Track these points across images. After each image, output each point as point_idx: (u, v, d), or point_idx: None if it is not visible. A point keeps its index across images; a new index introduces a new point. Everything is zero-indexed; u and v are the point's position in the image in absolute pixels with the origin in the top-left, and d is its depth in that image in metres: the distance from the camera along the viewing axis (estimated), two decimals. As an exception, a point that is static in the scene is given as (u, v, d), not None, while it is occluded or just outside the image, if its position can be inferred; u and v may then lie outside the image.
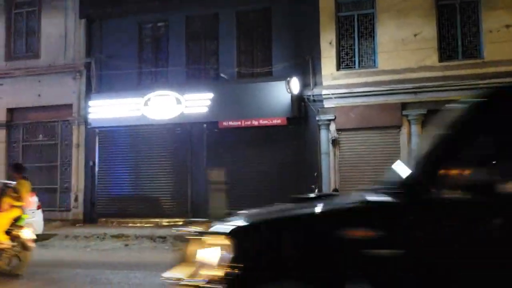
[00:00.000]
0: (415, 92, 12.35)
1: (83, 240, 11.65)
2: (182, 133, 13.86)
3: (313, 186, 10.10)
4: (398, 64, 12.59)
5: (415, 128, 12.34)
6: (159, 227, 13.09)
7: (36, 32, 15.64)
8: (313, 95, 12.97)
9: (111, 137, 14.50)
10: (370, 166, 12.42)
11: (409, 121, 12.39)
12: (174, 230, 9.37)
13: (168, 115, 13.57)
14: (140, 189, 14.02)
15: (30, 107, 15.36)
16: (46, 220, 14.01)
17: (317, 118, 12.90)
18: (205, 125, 13.60)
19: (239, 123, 13.11)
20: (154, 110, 13.68)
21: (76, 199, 14.51)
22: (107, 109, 14.13)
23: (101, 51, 14.97)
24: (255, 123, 12.99)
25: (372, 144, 12.55)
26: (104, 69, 14.84)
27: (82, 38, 15.11)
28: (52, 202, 14.85)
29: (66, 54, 15.20)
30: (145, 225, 13.60)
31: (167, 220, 13.63)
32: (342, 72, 13.07)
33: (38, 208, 11.23)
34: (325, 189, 12.34)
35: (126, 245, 10.87)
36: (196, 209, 13.46)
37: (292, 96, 12.54)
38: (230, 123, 13.20)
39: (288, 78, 12.39)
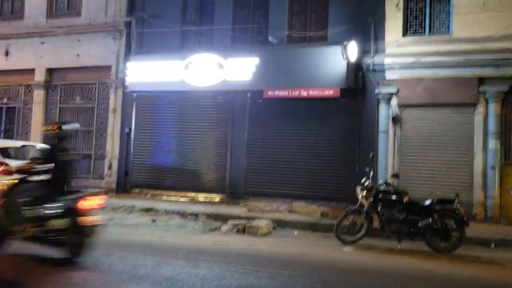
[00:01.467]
0: (496, 65, 10.34)
1: (109, 211, 10.73)
2: (224, 101, 12.60)
3: (367, 169, 8.55)
4: (477, 32, 10.58)
5: (493, 108, 10.39)
6: (194, 203, 12.03)
7: (78, -12, 14.77)
8: (373, 64, 11.24)
9: (149, 103, 13.48)
10: (436, 150, 10.68)
11: (486, 99, 10.44)
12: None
13: (209, 81, 12.31)
14: (176, 160, 12.98)
15: (69, 67, 14.62)
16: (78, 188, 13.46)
17: (376, 91, 11.20)
18: (248, 94, 12.25)
19: (286, 93, 11.65)
20: (195, 75, 12.46)
21: (110, 167, 13.71)
22: (146, 72, 13.07)
23: (143, 10, 13.86)
24: (304, 93, 11.48)
25: (440, 124, 10.73)
26: (145, 29, 13.76)
27: (124, -3, 14.05)
28: (86, 169, 14.18)
29: (107, 12, 14.24)
30: (180, 199, 12.59)
31: (204, 195, 12.55)
32: (409, 38, 11.21)
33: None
34: (381, 173, 10.72)
35: (153, 220, 9.86)
36: (235, 185, 12.27)
37: (348, 64, 10.88)
38: (276, 92, 11.76)
39: (345, 42, 10.73)
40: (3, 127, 15.53)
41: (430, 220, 7.60)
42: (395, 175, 8.44)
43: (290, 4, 12.32)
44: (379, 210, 8.07)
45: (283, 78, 11.67)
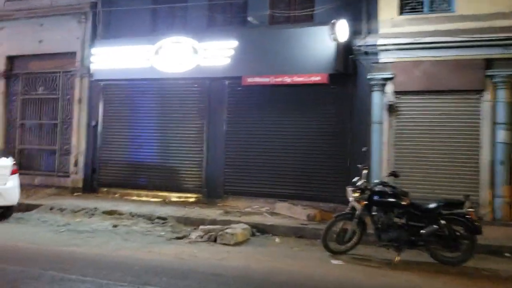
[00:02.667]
0: (505, 45, 9.09)
1: (68, 214, 9.47)
2: (199, 90, 11.26)
3: (360, 166, 7.28)
4: (483, 8, 9.33)
5: (502, 94, 9.15)
6: (165, 204, 10.72)
7: (39, -34, 13.30)
8: (365, 46, 9.95)
9: (117, 92, 12.12)
10: (438, 143, 9.45)
11: (494, 84, 9.19)
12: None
13: (182, 67, 10.97)
14: (147, 156, 11.65)
15: (31, 55, 13.21)
16: (42, 187, 12.17)
17: (368, 76, 9.92)
18: (226, 81, 10.92)
19: (268, 79, 10.33)
20: (166, 61, 11.11)
21: (75, 164, 12.36)
22: (114, 59, 11.71)
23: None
24: (288, 80, 10.17)
25: (442, 112, 9.48)
26: (112, 11, 12.37)
27: (89, -26, 12.64)
28: (51, 165, 12.84)
29: (71, -8, 12.82)
30: (151, 199, 11.28)
31: (178, 195, 11.25)
32: (406, 17, 9.93)
33: (13, 173, 9.03)
34: (376, 170, 9.49)
35: (115, 226, 8.55)
36: (212, 183, 10.97)
37: (337, 46, 9.58)
38: (257, 79, 10.44)
39: (334, 21, 9.42)
40: (-39, 121, 14.09)
41: (435, 226, 6.35)
42: (393, 174, 7.19)
43: (272, -20, 10.99)
44: (374, 214, 6.82)
45: (264, 63, 10.36)
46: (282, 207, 9.74)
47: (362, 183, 6.93)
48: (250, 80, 10.45)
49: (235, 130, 10.87)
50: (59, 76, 12.92)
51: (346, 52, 9.86)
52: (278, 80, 10.23)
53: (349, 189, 6.96)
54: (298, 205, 9.76)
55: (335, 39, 9.40)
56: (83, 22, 12.57)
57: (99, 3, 12.34)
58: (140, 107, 11.83)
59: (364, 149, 8.04)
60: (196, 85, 11.24)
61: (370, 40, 9.94)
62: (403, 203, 6.71)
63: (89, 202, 10.47)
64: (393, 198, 6.77)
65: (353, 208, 6.98)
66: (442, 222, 6.35)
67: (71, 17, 12.69)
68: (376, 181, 7.43)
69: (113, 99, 12.14)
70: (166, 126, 11.51)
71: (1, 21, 13.45)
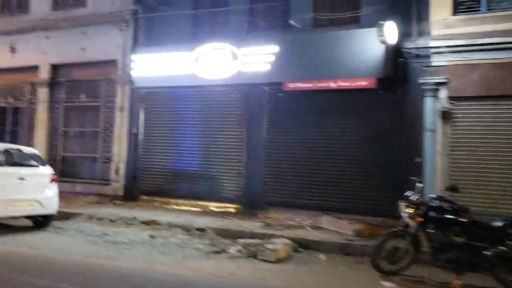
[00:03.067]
0: None
1: (106, 224, 9.29)
2: (238, 96, 10.90)
3: (414, 179, 6.65)
4: (548, 5, 8.52)
5: None
6: (204, 214, 10.39)
7: (83, -25, 13.43)
8: (416, 48, 9.30)
9: (157, 100, 11.96)
10: (499, 152, 8.64)
11: (562, 88, 8.35)
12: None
13: (221, 74, 10.67)
14: (187, 164, 11.38)
15: (74, 63, 13.33)
16: (83, 194, 12.15)
17: (420, 81, 9.24)
18: (266, 87, 10.52)
19: (311, 85, 9.85)
20: (206, 68, 10.85)
21: (116, 172, 12.26)
22: (154, 66, 11.58)
23: (151, -3, 12.37)
24: (333, 85, 9.65)
25: (503, 120, 8.67)
26: (154, 18, 12.26)
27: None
28: (92, 173, 12.82)
29: (113, 0, 12.82)
30: (190, 208, 11.00)
31: (217, 204, 10.90)
32: (460, 17, 9.21)
33: (53, 181, 8.94)
34: (429, 181, 8.77)
35: (152, 237, 8.27)
36: (252, 193, 10.56)
37: (386, 49, 9.00)
38: (299, 85, 9.98)
39: (382, 22, 8.83)
40: (9, 128, 14.38)
41: (503, 248, 5.66)
42: (453, 188, 6.51)
43: (316, -18, 10.53)
44: (430, 232, 6.18)
45: (307, 68, 9.90)
46: (326, 220, 9.19)
47: (417, 197, 6.31)
48: (292, 85, 10.00)
49: (276, 138, 10.43)
50: (101, 83, 12.93)
51: (395, 56, 9.24)
52: (322, 85, 9.73)
53: (402, 204, 6.35)
54: (343, 218, 9.20)
55: (383, 42, 8.82)
56: (124, 29, 12.53)
57: (140, 10, 12.25)
58: (180, 114, 11.60)
59: (417, 160, 7.40)
60: (235, 92, 10.89)
61: (421, 42, 9.28)
62: (464, 220, 6.04)
63: (128, 211, 10.30)
64: (451, 214, 6.11)
65: (406, 225, 6.37)
66: (510, 243, 5.65)
67: (113, 25, 12.68)
68: (432, 195, 6.77)
69: (153, 107, 12.00)
70: (205, 134, 11.22)
71: (46, 30, 13.63)
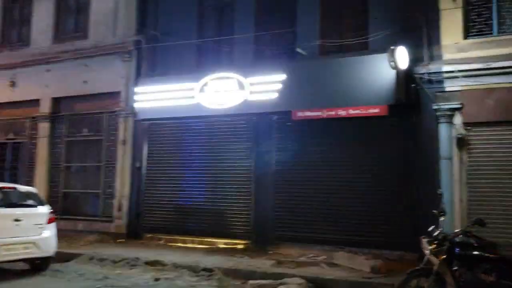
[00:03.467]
0: None
1: (108, 266, 8.80)
2: (246, 126, 10.56)
3: (436, 212, 6.19)
4: None
5: None
6: (212, 252, 9.90)
7: (85, 7, 13.31)
8: (428, 74, 8.97)
9: (161, 132, 11.64)
10: (521, 180, 8.19)
11: None
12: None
13: (228, 103, 10.36)
14: (193, 199, 10.97)
15: (75, 96, 13.06)
16: (85, 233, 11.69)
17: (434, 107, 8.88)
18: (274, 116, 10.18)
19: (320, 113, 9.50)
20: (212, 98, 10.55)
21: (119, 208, 11.84)
22: (158, 97, 11.28)
23: (155, 27, 12.21)
24: (342, 113, 9.29)
25: (523, 145, 8.30)
26: (157, 49, 12.09)
27: (134, 12, 12.48)
28: (94, 210, 12.40)
29: (115, 32, 12.66)
30: (197, 245, 10.51)
31: (225, 241, 10.42)
32: (473, 40, 8.91)
33: (50, 221, 8.50)
34: (447, 213, 8.30)
35: (156, 279, 7.77)
36: (261, 228, 10.08)
37: (397, 74, 8.66)
38: (308, 113, 9.62)
39: (392, 47, 8.53)
40: (8, 165, 14.05)
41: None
42: (479, 222, 6.06)
43: (321, 9, 10.30)
44: (455, 270, 5.68)
45: (315, 96, 9.57)
46: (341, 256, 8.69)
47: (439, 233, 5.84)
48: (300, 114, 9.66)
49: (285, 169, 10.02)
50: (104, 117, 12.64)
51: (406, 81, 8.91)
52: (332, 113, 9.38)
53: (424, 241, 5.87)
54: (358, 253, 8.70)
55: (394, 67, 8.49)
56: (127, 61, 12.31)
57: (143, 40, 12.06)
58: (185, 146, 11.25)
59: (439, 192, 6.93)
60: (243, 122, 10.56)
61: (433, 67, 8.96)
62: (492, 256, 5.55)
63: (132, 251, 9.82)
64: (478, 250, 5.63)
65: (429, 262, 5.87)
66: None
67: (116, 57, 12.48)
68: (456, 230, 6.29)
69: (157, 139, 11.66)
70: (212, 166, 10.84)
71: (48, 63, 13.44)
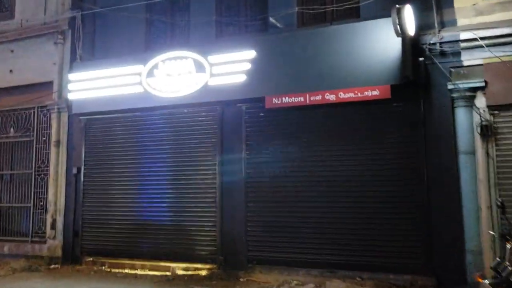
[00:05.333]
0: None
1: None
2: (208, 119, 8.32)
3: (493, 233, 4.14)
4: None
5: None
6: (167, 281, 7.65)
7: (10, -19, 10.87)
8: (440, 43, 6.94)
9: (103, 129, 9.28)
10: None
11: None
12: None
13: (183, 90, 8.14)
14: (143, 213, 8.67)
15: (0, 88, 10.60)
16: (12, 257, 9.33)
17: (449, 87, 6.85)
18: (243, 106, 8.00)
19: (301, 99, 7.36)
20: (162, 83, 8.31)
21: (53, 226, 9.45)
22: (97, 85, 8.97)
23: (94, 2, 9.87)
24: (331, 98, 7.19)
25: None
26: (97, 27, 9.77)
27: (69, -16, 10.12)
28: (24, 228, 9.96)
29: (46, 8, 10.27)
30: (149, 272, 8.24)
31: (184, 265, 8.15)
32: (494, 1, 6.93)
33: None
34: (469, 223, 6.30)
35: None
36: (231, 248, 7.87)
37: (404, 43, 6.58)
38: (286, 99, 7.47)
39: (398, 6, 6.44)
40: None
41: None
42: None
43: (299, -31, 8.18)
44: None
45: (294, 78, 7.45)
46: (334, 284, 6.57)
47: (507, 267, 3.77)
48: (276, 101, 7.50)
49: (259, 172, 7.83)
50: (34, 113, 10.20)
51: (414, 54, 6.83)
52: (317, 98, 7.25)
53: (486, 284, 3.79)
54: (357, 278, 6.63)
55: (400, 33, 6.40)
56: (60, 43, 9.91)
57: (78, 17, 9.71)
58: (133, 147, 8.93)
59: (499, 200, 4.88)
60: (203, 113, 8.33)
61: (446, 34, 6.93)
62: None
63: (64, 283, 7.50)
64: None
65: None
66: None
67: (46, 39, 10.09)
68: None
69: (98, 139, 9.30)
70: (167, 172, 8.56)
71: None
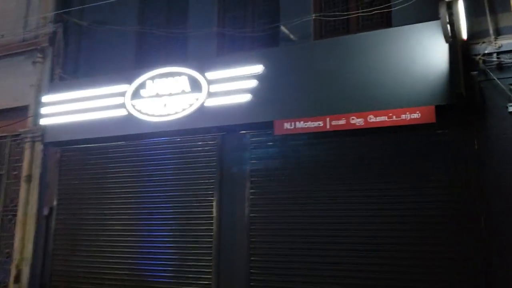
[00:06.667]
0: None
1: None
2: (205, 148, 6.79)
3: None
4: None
5: None
6: None
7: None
8: (496, 53, 5.45)
9: (79, 161, 7.77)
10: None
11: None
12: None
13: (175, 113, 6.68)
14: (125, 264, 7.04)
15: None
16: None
17: (510, 109, 5.33)
18: (248, 132, 6.49)
19: (319, 123, 5.83)
20: (150, 105, 6.86)
21: (16, 279, 7.81)
22: (74, 109, 7.55)
23: (80, 16, 8.62)
24: (358, 122, 5.65)
25: None
26: (82, 44, 8.52)
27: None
28: (-15, 279, 8.36)
29: (27, 24, 9.06)
30: None
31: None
32: None
33: None
34: None
35: None
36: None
37: (453, 50, 5.09)
38: (300, 124, 5.94)
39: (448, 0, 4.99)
40: None
41: None
42: None
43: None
44: None
45: (312, 98, 5.97)
46: None
47: None
48: (288, 126, 5.96)
49: (265, 212, 6.20)
50: (6, 143, 8.81)
51: (465, 65, 5.33)
52: (340, 123, 5.72)
53: None
54: None
55: (451, 36, 4.92)
56: (39, 62, 8.62)
57: (59, 32, 8.42)
58: (115, 183, 7.38)
59: None
60: (200, 142, 6.81)
61: (506, 43, 5.45)
62: None
63: None
64: None
65: None
66: None
67: (24, 58, 8.82)
68: None
69: (75, 173, 7.77)
70: (154, 214, 6.98)
71: None
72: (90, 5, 8.33)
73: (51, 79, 8.33)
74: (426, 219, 5.43)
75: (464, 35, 5.12)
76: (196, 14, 7.60)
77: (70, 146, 7.75)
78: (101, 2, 8.09)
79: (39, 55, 8.64)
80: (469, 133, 5.46)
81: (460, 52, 5.10)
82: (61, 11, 8.59)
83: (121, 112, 7.05)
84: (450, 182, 5.43)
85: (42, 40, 8.68)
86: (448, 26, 4.81)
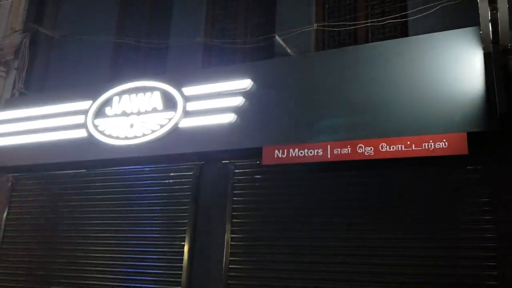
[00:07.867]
0: None
1: None
2: (176, 183, 5.55)
3: None
4: None
5: None
6: None
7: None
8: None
9: (35, 192, 6.54)
10: None
11: None
12: None
13: (143, 135, 5.50)
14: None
15: None
16: None
17: None
18: (230, 162, 5.26)
19: (320, 152, 4.61)
20: (114, 126, 5.70)
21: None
22: (30, 129, 6.38)
23: (53, 26, 7.63)
24: (367, 152, 4.43)
25: None
26: (52, 55, 7.49)
27: (23, 4, 7.97)
28: None
29: (-8, 34, 8.07)
30: None
31: None
32: None
33: None
34: None
35: None
36: None
37: (495, 57, 3.94)
38: (295, 152, 4.72)
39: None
40: None
41: None
42: None
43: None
44: None
45: (309, 120, 4.79)
46: None
47: None
48: (280, 154, 4.74)
49: (249, 269, 4.92)
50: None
51: (507, 81, 4.18)
52: (344, 152, 4.51)
53: None
54: None
55: (492, 40, 3.78)
56: (2, 76, 7.56)
57: (25, 43, 7.38)
58: (72, 218, 6.13)
59: None
60: (172, 173, 5.58)
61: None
62: None
63: None
64: None
65: None
66: None
67: (-14, 72, 7.75)
68: None
69: (27, 205, 6.53)
70: (115, 259, 5.69)
71: None
72: (66, 14, 7.38)
73: (11, 94, 7.23)
74: (454, 268, 4.15)
75: (507, 40, 3.98)
76: (181, 26, 6.56)
77: (23, 174, 6.54)
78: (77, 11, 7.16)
79: (2, 68, 7.59)
80: (505, 167, 4.24)
81: (502, 63, 3.95)
82: (31, 21, 7.64)
83: (82, 133, 5.89)
84: (484, 227, 4.16)
85: (7, 53, 7.65)
86: (490, 26, 3.67)
